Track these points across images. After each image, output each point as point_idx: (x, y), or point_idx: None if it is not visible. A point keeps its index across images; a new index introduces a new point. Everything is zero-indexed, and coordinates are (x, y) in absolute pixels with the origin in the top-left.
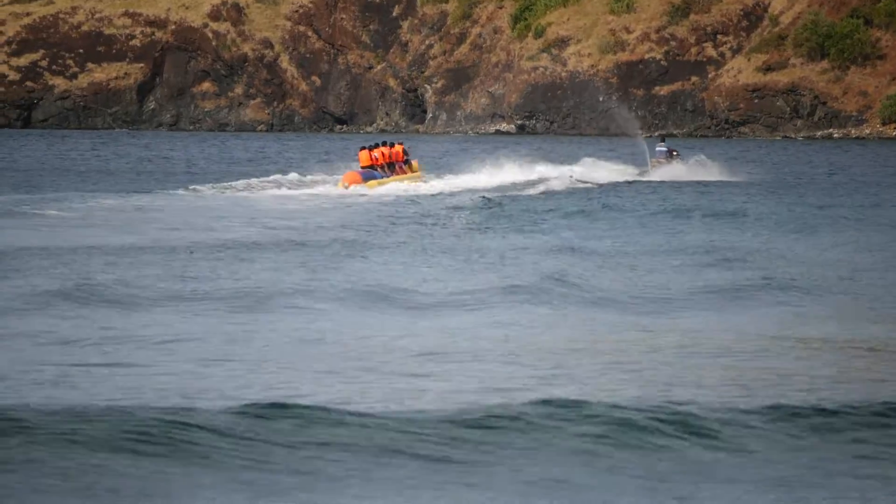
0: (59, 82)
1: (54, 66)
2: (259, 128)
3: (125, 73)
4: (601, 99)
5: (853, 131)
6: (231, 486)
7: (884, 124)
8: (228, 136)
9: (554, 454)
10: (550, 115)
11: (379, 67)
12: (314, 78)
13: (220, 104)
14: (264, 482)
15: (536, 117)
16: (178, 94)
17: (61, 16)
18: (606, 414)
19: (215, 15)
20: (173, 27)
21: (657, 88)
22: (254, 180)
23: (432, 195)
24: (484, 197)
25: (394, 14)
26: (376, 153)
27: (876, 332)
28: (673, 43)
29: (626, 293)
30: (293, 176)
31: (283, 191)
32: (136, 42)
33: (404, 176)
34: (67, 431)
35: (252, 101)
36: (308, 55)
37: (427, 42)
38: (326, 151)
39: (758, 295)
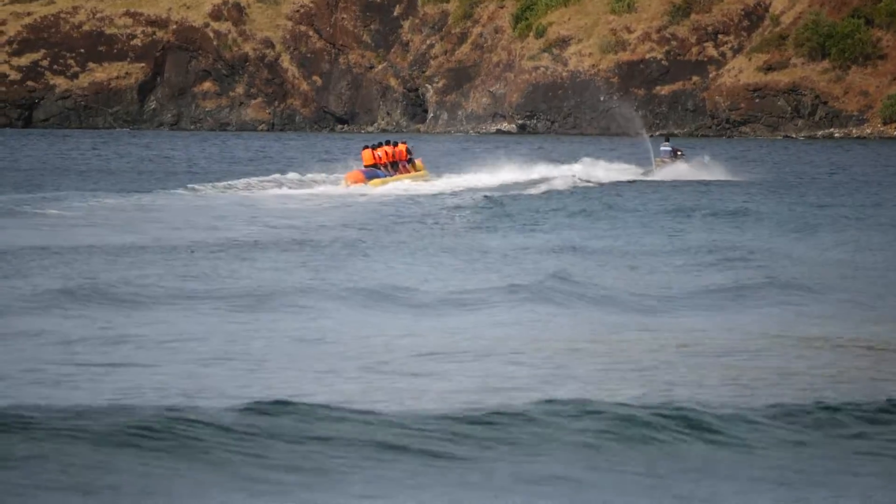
0: (61, 82)
1: (55, 66)
2: (260, 127)
3: (126, 73)
4: (602, 99)
5: (854, 131)
6: (233, 483)
7: (885, 124)
8: (229, 136)
9: (555, 452)
10: (551, 115)
11: (380, 67)
12: (315, 77)
13: (221, 104)
14: (266, 480)
15: (537, 117)
16: (179, 94)
17: (62, 15)
18: (608, 412)
19: (216, 14)
20: (174, 27)
21: (658, 88)
22: (254, 179)
23: (433, 195)
24: (486, 196)
25: (395, 14)
26: (379, 152)
27: (877, 331)
28: (674, 42)
29: (628, 292)
30: (292, 175)
31: (284, 190)
32: (137, 42)
33: (409, 175)
34: (69, 429)
35: (253, 101)
36: (309, 55)
37: (428, 42)
38: (327, 151)
39: (759, 294)
